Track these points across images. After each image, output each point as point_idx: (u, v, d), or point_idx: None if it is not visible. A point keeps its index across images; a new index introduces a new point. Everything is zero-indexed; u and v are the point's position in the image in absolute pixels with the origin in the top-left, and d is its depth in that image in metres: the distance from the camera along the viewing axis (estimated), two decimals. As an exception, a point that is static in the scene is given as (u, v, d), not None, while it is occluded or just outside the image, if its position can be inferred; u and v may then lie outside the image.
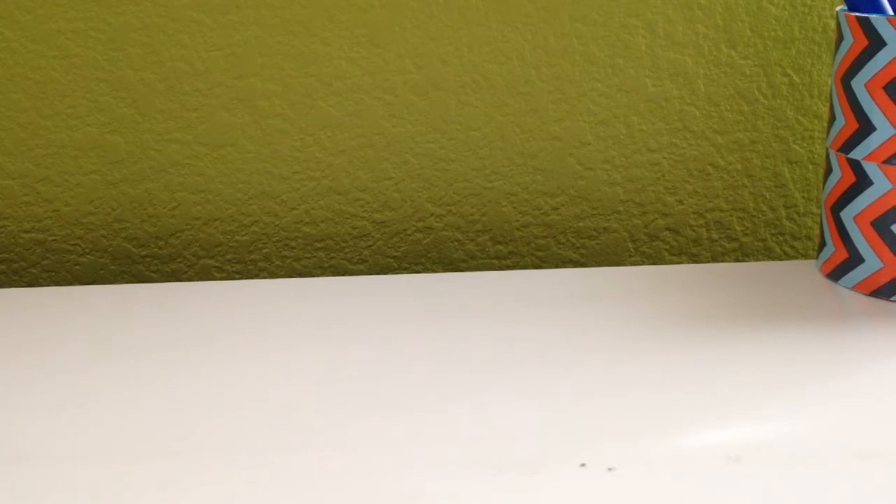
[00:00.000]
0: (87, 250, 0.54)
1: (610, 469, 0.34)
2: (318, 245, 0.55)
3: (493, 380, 0.40)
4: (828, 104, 0.54)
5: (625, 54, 0.54)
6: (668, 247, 0.57)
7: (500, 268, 0.56)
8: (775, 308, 0.47)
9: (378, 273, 0.56)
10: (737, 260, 0.57)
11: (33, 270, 0.54)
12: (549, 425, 0.37)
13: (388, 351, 0.43)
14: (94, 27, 0.52)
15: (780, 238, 0.57)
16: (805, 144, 0.56)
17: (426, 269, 0.56)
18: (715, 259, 0.57)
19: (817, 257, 0.51)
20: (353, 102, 0.53)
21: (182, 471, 0.34)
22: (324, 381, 0.40)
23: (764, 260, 0.57)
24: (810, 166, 0.56)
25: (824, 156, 0.51)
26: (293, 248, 0.55)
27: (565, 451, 0.35)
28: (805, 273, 0.51)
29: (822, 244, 0.50)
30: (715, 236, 0.57)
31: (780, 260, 0.57)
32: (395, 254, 0.56)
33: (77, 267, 0.54)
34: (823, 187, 0.50)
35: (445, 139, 0.54)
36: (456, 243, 0.56)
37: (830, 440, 0.36)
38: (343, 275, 0.55)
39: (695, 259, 0.57)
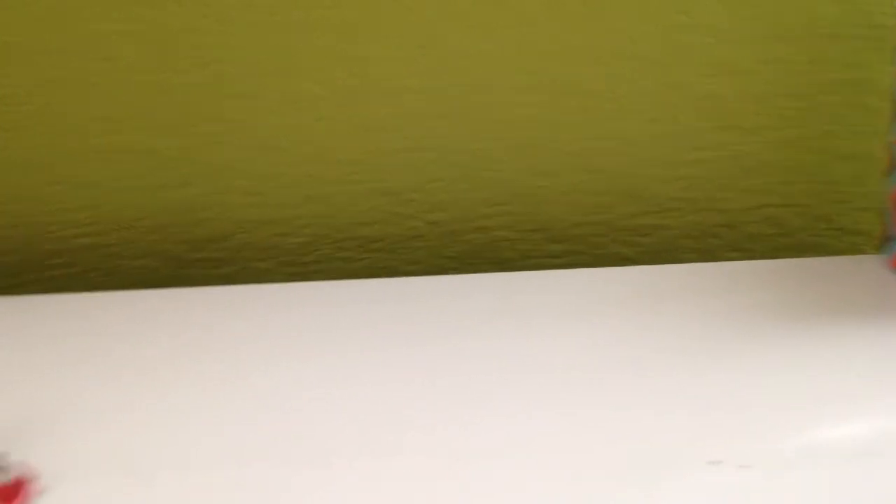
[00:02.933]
0: (139, 254, 0.54)
1: (715, 462, 0.33)
2: (372, 246, 0.55)
3: (572, 381, 0.40)
4: (889, 100, 0.54)
5: (675, 52, 0.54)
6: (722, 243, 0.56)
7: (555, 266, 0.56)
8: (851, 304, 0.46)
9: (432, 274, 0.55)
10: (792, 256, 0.57)
11: (91, 275, 0.54)
12: (633, 428, 0.36)
13: (444, 351, 0.42)
14: (141, 29, 0.51)
15: (836, 233, 0.57)
16: (858, 140, 0.56)
17: (480, 269, 0.55)
18: (770, 255, 0.57)
19: (879, 251, 0.51)
20: (400, 104, 0.53)
21: (273, 474, 0.33)
22: (379, 383, 0.40)
23: (819, 255, 0.57)
24: (864, 162, 0.56)
25: (881, 151, 0.51)
26: (348, 249, 0.55)
27: (690, 451, 0.34)
28: (869, 267, 0.50)
29: (891, 238, 0.50)
30: (769, 232, 0.57)
31: (836, 255, 0.57)
32: (450, 254, 0.55)
33: (131, 271, 0.54)
34: (890, 181, 0.50)
35: (495, 139, 0.54)
36: (509, 243, 0.55)
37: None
38: (397, 276, 0.54)
39: (749, 255, 0.57)
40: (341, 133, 0.53)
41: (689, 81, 0.54)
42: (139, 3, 0.51)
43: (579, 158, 0.55)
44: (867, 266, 0.51)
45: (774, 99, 0.55)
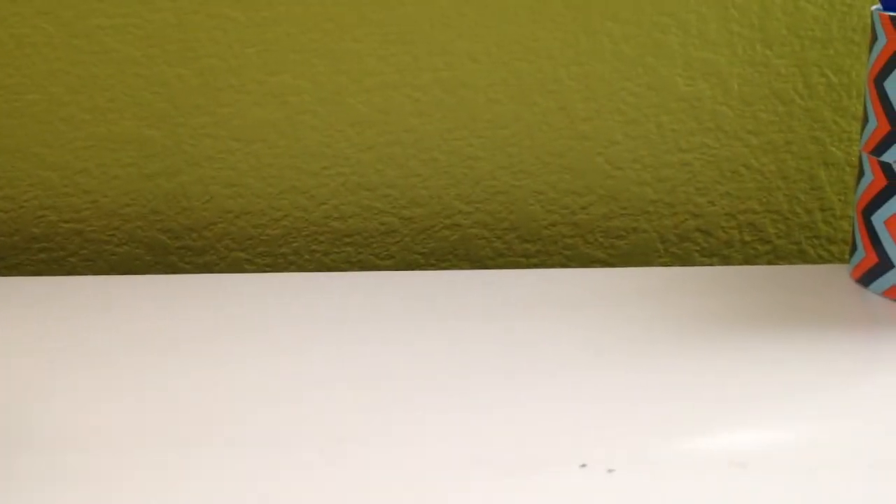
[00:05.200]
0: (123, 241, 0.56)
1: (610, 470, 0.33)
2: (346, 240, 0.56)
3: (509, 378, 0.40)
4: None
5: (656, 53, 0.53)
6: (698, 248, 0.56)
7: (528, 266, 0.56)
8: (802, 312, 0.46)
9: (405, 269, 0.56)
10: (769, 263, 0.56)
11: (72, 260, 0.56)
12: (556, 426, 0.37)
13: (410, 347, 0.43)
14: (132, 24, 0.53)
15: (816, 241, 0.56)
16: (842, 146, 0.55)
17: (453, 266, 0.56)
18: (747, 262, 0.56)
19: (849, 262, 0.50)
20: (382, 99, 0.54)
21: (203, 460, 0.35)
22: (341, 378, 0.41)
23: (798, 263, 0.56)
24: (847, 169, 0.55)
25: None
26: (322, 242, 0.56)
27: (567, 451, 0.35)
28: (837, 278, 0.50)
29: (854, 248, 0.49)
30: (747, 238, 0.56)
31: (815, 263, 0.56)
32: (423, 250, 0.56)
33: (113, 257, 0.56)
34: (856, 190, 0.49)
35: (474, 137, 0.55)
36: (483, 241, 0.56)
37: (847, 447, 0.35)
38: (370, 270, 0.55)
39: (726, 261, 0.56)
40: (323, 127, 0.54)
41: (671, 83, 0.54)
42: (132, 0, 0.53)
43: (557, 158, 0.55)
44: (836, 276, 0.50)
45: (758, 102, 0.54)
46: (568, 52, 0.53)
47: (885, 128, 0.46)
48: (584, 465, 0.34)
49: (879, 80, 0.46)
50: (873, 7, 0.49)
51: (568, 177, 0.55)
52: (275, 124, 0.54)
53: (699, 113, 0.54)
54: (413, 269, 0.56)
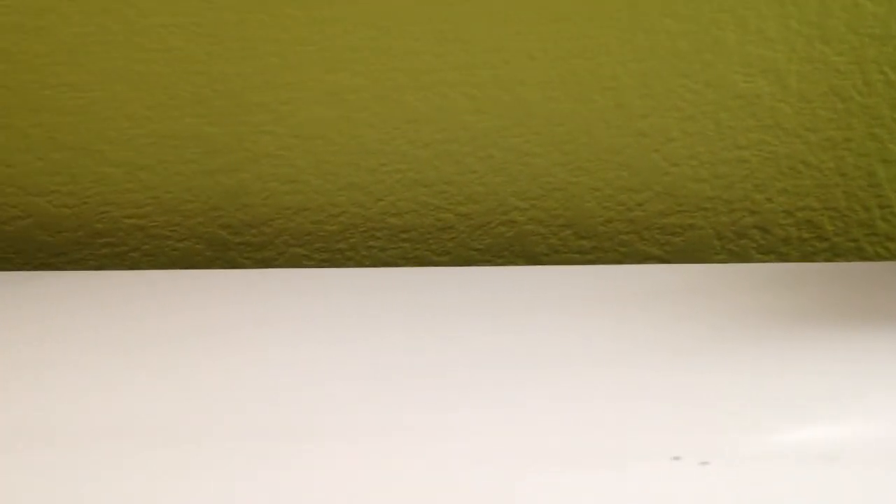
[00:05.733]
0: (184, 236, 0.57)
1: (703, 463, 0.33)
2: (403, 236, 0.56)
3: (584, 371, 0.40)
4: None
5: (714, 50, 0.53)
6: (755, 245, 0.56)
7: (583, 262, 0.56)
8: (861, 309, 0.46)
9: (461, 265, 0.56)
10: (827, 260, 0.56)
11: (133, 255, 0.57)
12: (647, 419, 0.37)
13: (468, 342, 0.43)
14: (194, 22, 0.54)
15: (874, 239, 0.56)
16: (902, 143, 0.54)
17: (508, 263, 0.56)
18: (804, 259, 0.56)
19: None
20: (438, 97, 0.54)
21: (269, 452, 0.35)
22: (402, 371, 0.41)
23: (856, 261, 0.56)
24: (907, 166, 0.55)
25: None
26: (379, 238, 0.56)
27: (660, 444, 0.35)
28: (895, 275, 0.49)
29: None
30: (805, 235, 0.56)
31: (873, 261, 0.56)
32: (479, 247, 0.56)
33: (174, 252, 0.57)
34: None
35: (530, 134, 0.55)
36: (539, 237, 0.56)
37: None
38: (426, 266, 0.56)
39: (783, 258, 0.56)
40: (380, 124, 0.55)
41: (728, 80, 0.54)
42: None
43: (614, 155, 0.55)
44: (897, 273, 0.50)
45: (816, 99, 0.54)
46: (625, 49, 0.53)
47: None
48: (676, 458, 0.34)
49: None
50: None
51: (624, 173, 0.55)
52: (333, 121, 0.55)
53: (757, 110, 0.54)
54: (469, 265, 0.56)
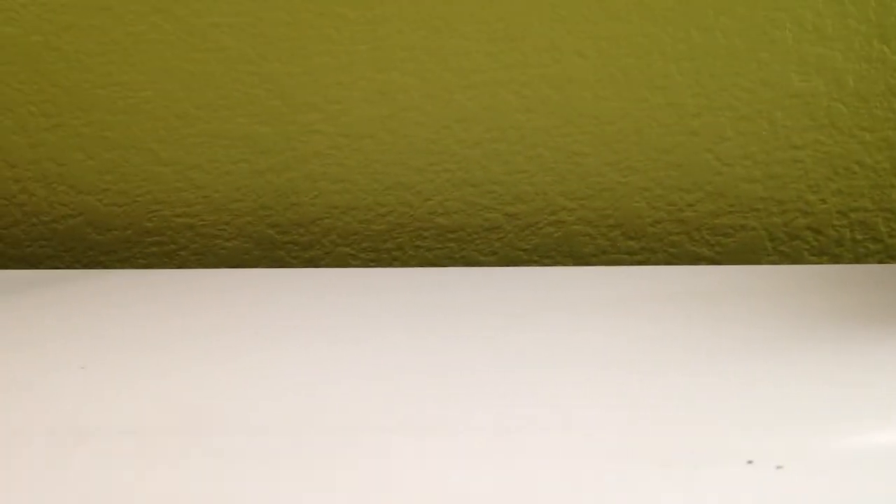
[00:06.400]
0: (233, 235, 0.57)
1: (779, 467, 0.33)
2: (450, 236, 0.56)
3: (640, 372, 0.40)
4: None
5: (770, 48, 0.53)
6: (808, 247, 0.55)
7: (631, 263, 0.56)
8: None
9: (508, 265, 0.56)
10: (881, 262, 0.55)
11: (183, 253, 0.57)
12: (722, 422, 0.36)
13: (513, 343, 0.43)
14: (245, 22, 0.54)
15: (932, 241, 0.55)
16: (961, 143, 0.53)
17: (556, 263, 0.56)
18: (858, 261, 0.55)
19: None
20: (488, 96, 0.54)
21: (301, 448, 0.35)
22: (450, 369, 0.41)
23: (912, 264, 0.55)
24: (966, 166, 0.54)
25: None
26: (426, 238, 0.56)
27: (734, 447, 0.35)
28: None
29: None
30: (859, 237, 0.55)
31: (931, 264, 0.54)
32: (526, 247, 0.56)
33: (223, 251, 0.57)
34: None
35: (580, 133, 0.54)
36: (587, 238, 0.56)
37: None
38: (473, 266, 0.56)
39: (836, 260, 0.55)
40: (429, 123, 0.55)
41: (784, 79, 0.53)
42: (239, -4, 0.54)
43: (664, 154, 0.54)
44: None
45: (873, 99, 0.53)
46: (679, 47, 0.53)
47: None
48: (750, 462, 0.33)
49: None
50: None
51: (675, 173, 0.54)
52: (382, 121, 0.55)
53: (813, 109, 0.53)
54: (516, 265, 0.56)
